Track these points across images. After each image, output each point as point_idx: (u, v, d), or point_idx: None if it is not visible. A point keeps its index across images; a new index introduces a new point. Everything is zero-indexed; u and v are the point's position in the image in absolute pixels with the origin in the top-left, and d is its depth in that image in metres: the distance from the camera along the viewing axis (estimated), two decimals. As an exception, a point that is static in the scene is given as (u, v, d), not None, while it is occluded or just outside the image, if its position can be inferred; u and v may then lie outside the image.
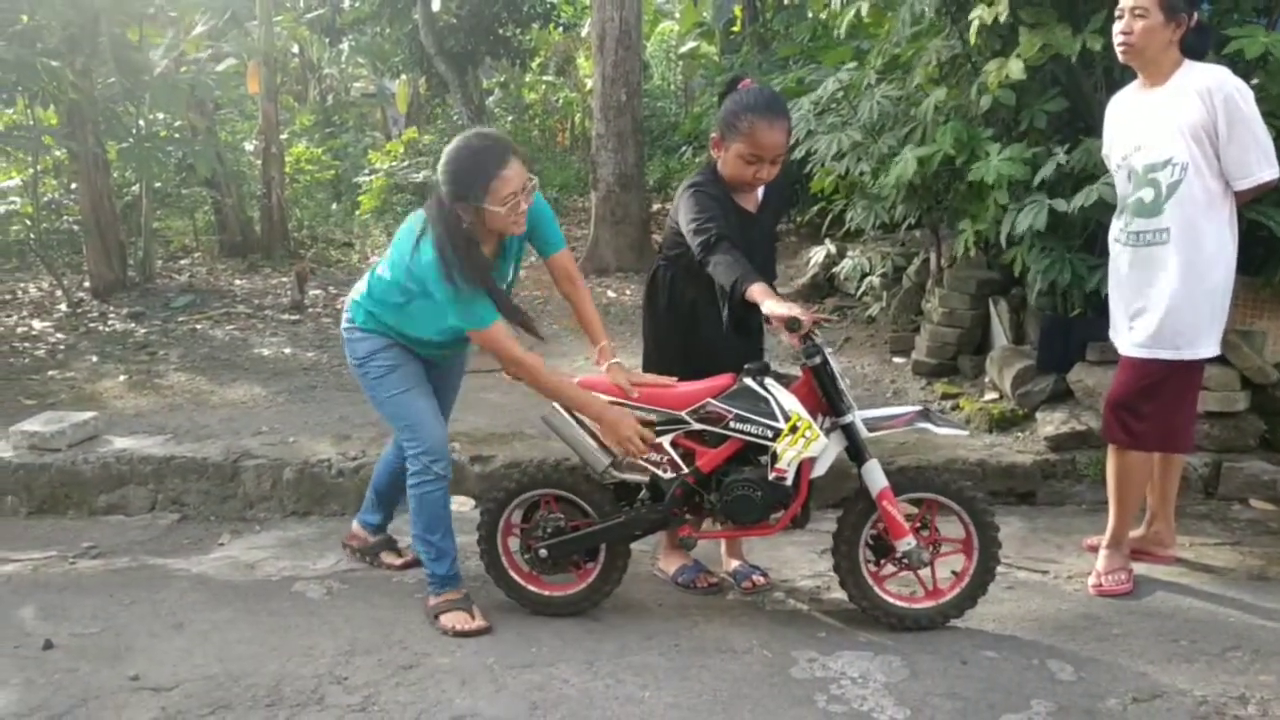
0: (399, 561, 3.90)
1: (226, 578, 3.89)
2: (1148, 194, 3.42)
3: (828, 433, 3.21)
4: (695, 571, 3.72)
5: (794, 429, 3.16)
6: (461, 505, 4.50)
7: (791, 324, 3.02)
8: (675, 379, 3.35)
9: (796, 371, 3.31)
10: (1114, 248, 3.61)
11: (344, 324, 3.57)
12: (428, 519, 3.44)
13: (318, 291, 8.64)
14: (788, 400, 3.20)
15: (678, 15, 16.75)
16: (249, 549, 4.22)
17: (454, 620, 3.39)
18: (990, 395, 5.15)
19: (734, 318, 3.41)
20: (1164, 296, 3.40)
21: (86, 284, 8.47)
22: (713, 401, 3.24)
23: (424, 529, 3.46)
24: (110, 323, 7.61)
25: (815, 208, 6.76)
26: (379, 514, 3.96)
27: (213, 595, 3.72)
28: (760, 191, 3.48)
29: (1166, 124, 3.35)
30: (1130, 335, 3.53)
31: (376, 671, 3.14)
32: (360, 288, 3.54)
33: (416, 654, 3.25)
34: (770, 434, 3.18)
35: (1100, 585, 3.61)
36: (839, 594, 3.61)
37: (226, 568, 3.99)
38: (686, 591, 3.67)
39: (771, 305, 3.06)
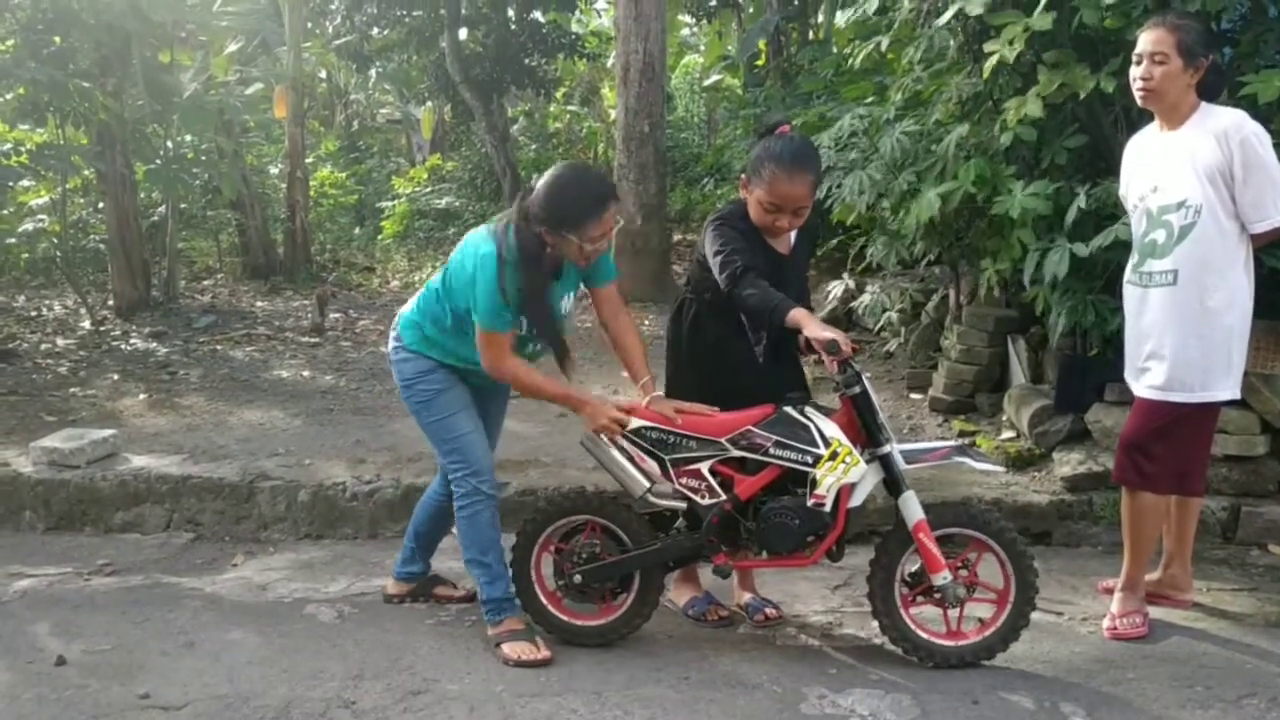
0: (458, 593, 3.81)
1: (239, 598, 3.90)
2: (1160, 235, 3.42)
3: (866, 463, 3.21)
4: (705, 604, 3.70)
5: (834, 455, 3.17)
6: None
7: (830, 347, 3.04)
8: (717, 408, 3.35)
9: (835, 404, 3.32)
10: (1127, 289, 3.61)
11: (391, 343, 3.59)
12: (481, 541, 3.44)
13: (338, 315, 8.70)
14: (829, 427, 3.21)
15: (702, 48, 16.88)
16: (262, 570, 4.23)
17: (517, 650, 3.35)
18: (1007, 434, 5.13)
19: (771, 347, 3.40)
20: (1172, 339, 3.39)
21: (110, 302, 8.56)
22: (753, 429, 3.25)
23: (478, 551, 3.45)
24: (132, 341, 7.68)
25: (835, 241, 6.76)
26: (419, 563, 3.83)
27: (224, 616, 3.73)
28: (792, 235, 3.48)
29: (1183, 166, 3.36)
30: (1144, 377, 3.51)
31: (385, 696, 3.14)
32: (411, 304, 3.55)
33: (425, 680, 3.25)
34: (810, 460, 3.18)
35: (1115, 628, 3.57)
36: (851, 630, 3.60)
37: (239, 588, 4.01)
38: (697, 624, 3.66)
39: (814, 329, 3.09)
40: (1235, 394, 3.46)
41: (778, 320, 3.16)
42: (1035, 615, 3.32)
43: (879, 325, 7.05)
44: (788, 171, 3.26)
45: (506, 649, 3.37)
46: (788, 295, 3.29)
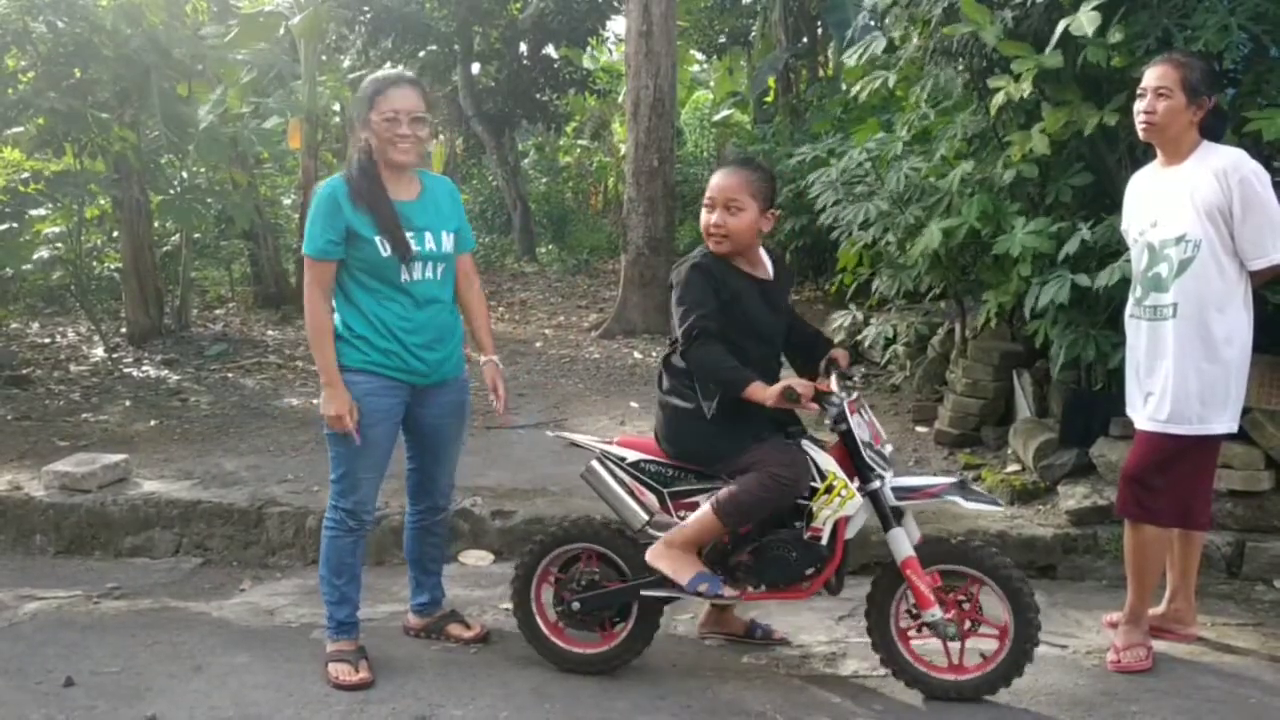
0: (469, 634, 3.74)
1: (246, 623, 3.93)
2: (1162, 269, 3.46)
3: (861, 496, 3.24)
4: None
5: (829, 488, 3.19)
6: (481, 560, 4.54)
7: (788, 395, 3.06)
8: None
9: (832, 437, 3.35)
10: (1129, 322, 3.64)
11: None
12: (335, 563, 3.47)
13: (348, 344, 8.73)
14: (824, 460, 3.23)
15: (712, 84, 17.04)
16: (269, 595, 4.26)
17: (337, 671, 3.41)
18: (1012, 467, 5.14)
19: (724, 413, 3.27)
20: (1172, 371, 3.42)
21: (123, 330, 8.64)
22: None
23: (330, 572, 3.48)
24: (144, 368, 7.75)
25: (841, 274, 6.81)
26: (425, 593, 3.80)
27: (232, 640, 3.76)
28: (769, 261, 3.45)
29: (1182, 201, 3.40)
30: (1144, 409, 3.54)
31: (390, 721, 3.16)
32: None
33: (430, 705, 3.26)
34: (806, 493, 3.21)
35: (1119, 661, 3.58)
36: (855, 660, 3.61)
37: (247, 613, 4.03)
38: (701, 652, 3.66)
39: (768, 394, 3.09)
40: (1233, 428, 3.48)
41: (734, 395, 3.16)
42: (1040, 649, 3.32)
43: (885, 358, 7.08)
44: (721, 168, 3.37)
45: (331, 668, 3.42)
46: (779, 322, 3.36)
